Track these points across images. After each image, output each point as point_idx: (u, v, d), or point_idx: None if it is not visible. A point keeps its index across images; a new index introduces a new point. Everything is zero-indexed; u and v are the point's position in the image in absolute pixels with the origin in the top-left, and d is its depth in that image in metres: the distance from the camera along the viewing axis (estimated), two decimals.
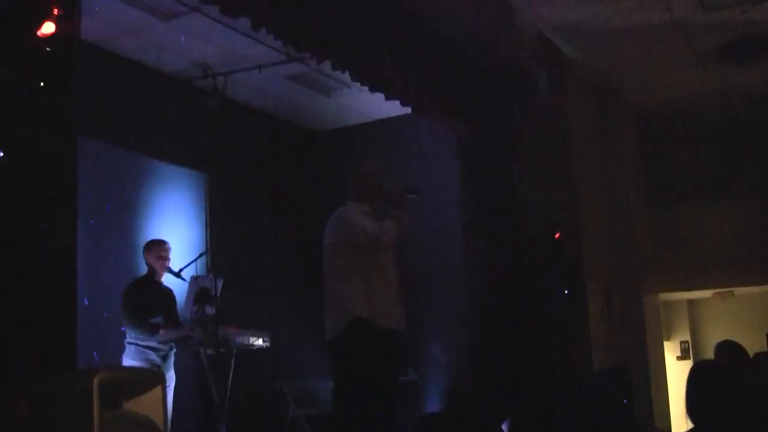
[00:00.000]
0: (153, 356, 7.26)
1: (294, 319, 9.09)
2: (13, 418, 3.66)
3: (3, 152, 3.99)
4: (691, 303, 14.03)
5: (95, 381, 3.66)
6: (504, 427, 4.46)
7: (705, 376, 3.92)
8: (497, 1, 8.02)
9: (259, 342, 7.56)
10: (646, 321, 10.74)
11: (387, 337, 5.47)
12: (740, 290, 12.77)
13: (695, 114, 11.34)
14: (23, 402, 3.67)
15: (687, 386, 3.90)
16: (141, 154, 8.66)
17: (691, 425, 3.83)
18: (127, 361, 7.23)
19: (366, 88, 7.47)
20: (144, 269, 7.67)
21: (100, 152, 7.80)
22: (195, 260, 7.91)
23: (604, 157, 10.33)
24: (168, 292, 7.71)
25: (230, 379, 7.39)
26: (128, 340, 7.31)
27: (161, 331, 7.25)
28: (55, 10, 4.25)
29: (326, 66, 7.22)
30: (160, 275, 7.60)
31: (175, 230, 8.55)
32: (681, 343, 13.88)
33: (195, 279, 7.53)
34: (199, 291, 7.19)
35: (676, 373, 12.69)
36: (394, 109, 8.23)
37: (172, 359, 7.42)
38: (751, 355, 6.31)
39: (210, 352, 7.14)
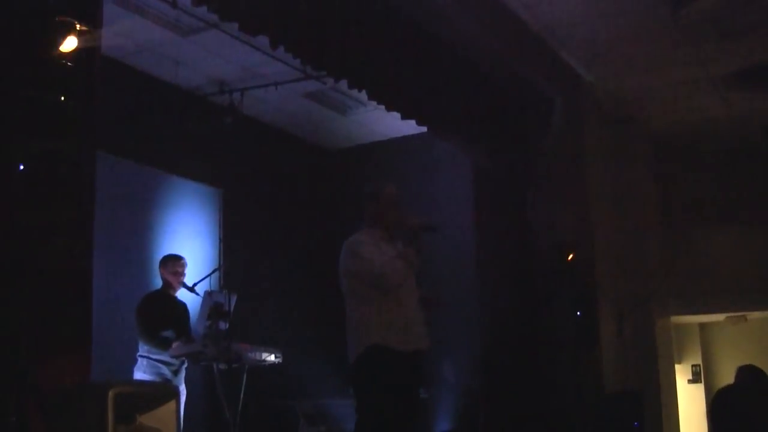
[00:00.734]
0: (164, 370, 7.27)
1: (306, 336, 9.10)
2: None
3: (23, 165, 4.02)
4: (702, 326, 13.98)
5: (110, 395, 3.68)
6: None
7: (729, 400, 3.92)
8: (514, 24, 8.05)
9: (272, 358, 7.54)
10: (657, 344, 10.71)
11: (406, 359, 5.41)
12: (753, 314, 12.71)
13: (710, 139, 11.34)
14: (39, 415, 3.68)
15: (710, 410, 3.89)
16: (156, 168, 8.71)
17: None
18: (139, 374, 7.25)
19: (381, 107, 7.48)
20: (158, 283, 7.69)
21: (115, 166, 7.82)
22: (209, 275, 7.92)
23: (618, 180, 10.32)
24: (182, 307, 7.72)
25: (242, 394, 7.38)
26: (140, 353, 7.32)
27: (174, 345, 7.27)
28: (78, 25, 4.28)
29: (342, 84, 7.21)
30: (175, 290, 7.62)
31: (189, 245, 8.56)
32: (692, 366, 13.82)
33: (209, 294, 7.52)
34: (213, 306, 7.18)
35: (688, 396, 12.67)
36: (409, 128, 8.25)
37: (183, 374, 7.43)
38: None
39: (222, 367, 7.14)
